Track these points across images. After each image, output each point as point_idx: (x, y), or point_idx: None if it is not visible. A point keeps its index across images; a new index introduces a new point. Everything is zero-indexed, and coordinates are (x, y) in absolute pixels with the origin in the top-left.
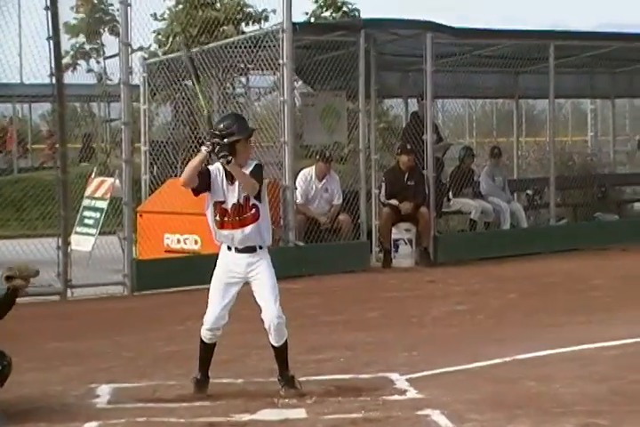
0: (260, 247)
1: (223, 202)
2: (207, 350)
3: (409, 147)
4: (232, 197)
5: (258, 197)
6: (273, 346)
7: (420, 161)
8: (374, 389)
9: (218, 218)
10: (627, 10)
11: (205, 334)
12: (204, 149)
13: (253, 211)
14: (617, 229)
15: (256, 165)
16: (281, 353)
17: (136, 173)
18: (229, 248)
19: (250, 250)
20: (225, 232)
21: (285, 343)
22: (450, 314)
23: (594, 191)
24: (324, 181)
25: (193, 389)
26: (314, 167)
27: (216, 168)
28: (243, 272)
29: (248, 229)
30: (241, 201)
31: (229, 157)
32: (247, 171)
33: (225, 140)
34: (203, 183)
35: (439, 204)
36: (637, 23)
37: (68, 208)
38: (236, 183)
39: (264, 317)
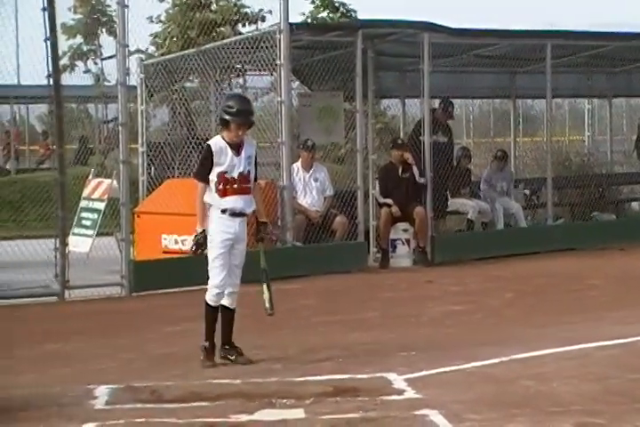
0: (247, 215)
1: (226, 172)
2: (215, 315)
3: (400, 141)
4: (238, 167)
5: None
6: (231, 309)
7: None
8: (372, 389)
9: (221, 187)
10: (619, 10)
11: (212, 298)
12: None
13: (251, 184)
14: (614, 229)
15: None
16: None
17: (133, 174)
18: (224, 212)
19: (243, 215)
20: (231, 198)
21: None
22: (447, 314)
23: (591, 191)
24: (312, 171)
25: (202, 357)
26: (300, 160)
27: (217, 143)
28: (234, 233)
29: (248, 197)
30: (245, 172)
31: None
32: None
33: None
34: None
35: (438, 205)
36: (630, 22)
37: (65, 209)
38: (242, 155)
39: (233, 280)
